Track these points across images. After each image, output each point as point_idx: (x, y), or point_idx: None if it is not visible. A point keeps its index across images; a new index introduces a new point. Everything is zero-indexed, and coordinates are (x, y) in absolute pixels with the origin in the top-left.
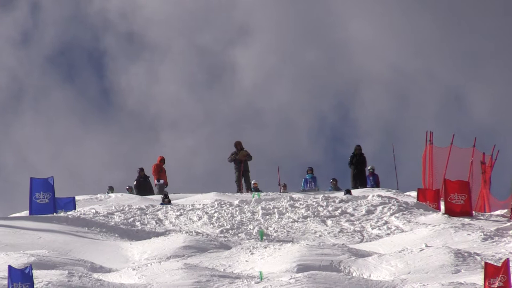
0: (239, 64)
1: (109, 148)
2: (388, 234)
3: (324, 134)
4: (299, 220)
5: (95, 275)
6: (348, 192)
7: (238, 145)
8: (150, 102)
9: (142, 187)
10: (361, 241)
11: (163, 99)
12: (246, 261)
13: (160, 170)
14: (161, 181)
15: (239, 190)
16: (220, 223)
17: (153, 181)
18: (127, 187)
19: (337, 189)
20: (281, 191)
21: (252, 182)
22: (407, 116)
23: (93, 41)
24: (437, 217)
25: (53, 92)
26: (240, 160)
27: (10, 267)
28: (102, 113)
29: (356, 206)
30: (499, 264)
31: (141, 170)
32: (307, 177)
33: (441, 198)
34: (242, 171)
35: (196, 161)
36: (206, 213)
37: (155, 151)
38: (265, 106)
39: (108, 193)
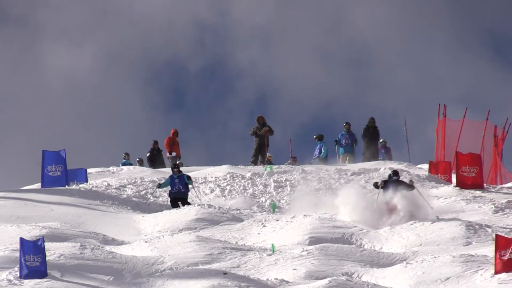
0: None
1: None
2: None
3: (204, 38)
4: (311, 193)
5: (107, 248)
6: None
7: (261, 119)
8: (32, 7)
9: (155, 159)
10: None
11: (48, 4)
12: (258, 233)
13: (172, 143)
14: (173, 154)
15: (254, 163)
16: (232, 196)
17: (166, 154)
18: (138, 159)
19: (350, 133)
20: (291, 163)
21: (267, 155)
22: (286, 18)
23: None
24: (449, 190)
25: None
26: (261, 135)
27: (22, 240)
28: None
29: (368, 179)
30: (510, 236)
31: (155, 142)
32: (318, 144)
33: (453, 170)
34: (260, 144)
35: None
36: (219, 185)
37: (41, 66)
38: (145, 9)
39: (124, 158)
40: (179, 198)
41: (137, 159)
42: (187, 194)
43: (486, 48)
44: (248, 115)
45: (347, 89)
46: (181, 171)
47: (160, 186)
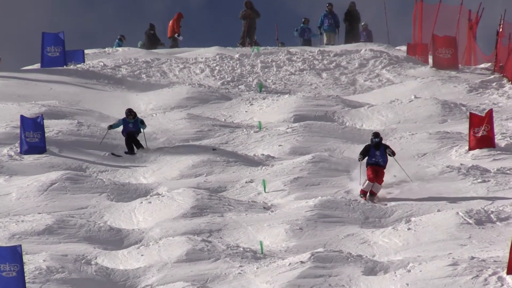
0: None
1: None
2: (380, 86)
3: None
4: (296, 73)
5: (103, 125)
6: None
7: (248, 4)
8: None
9: (152, 41)
10: (354, 92)
11: None
12: (246, 111)
13: (180, 26)
14: (181, 37)
15: (243, 44)
16: (221, 76)
17: (163, 38)
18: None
19: (332, 14)
20: (278, 45)
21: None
22: None
23: None
24: (426, 70)
25: None
26: (248, 17)
27: (22, 117)
28: None
29: (350, 60)
30: (483, 114)
31: (152, 26)
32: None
33: (429, 52)
34: (248, 27)
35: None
36: (208, 66)
37: None
38: None
39: (119, 39)
40: (132, 137)
41: (141, 42)
42: (138, 134)
43: None
44: None
45: None
46: (136, 115)
47: (111, 127)
